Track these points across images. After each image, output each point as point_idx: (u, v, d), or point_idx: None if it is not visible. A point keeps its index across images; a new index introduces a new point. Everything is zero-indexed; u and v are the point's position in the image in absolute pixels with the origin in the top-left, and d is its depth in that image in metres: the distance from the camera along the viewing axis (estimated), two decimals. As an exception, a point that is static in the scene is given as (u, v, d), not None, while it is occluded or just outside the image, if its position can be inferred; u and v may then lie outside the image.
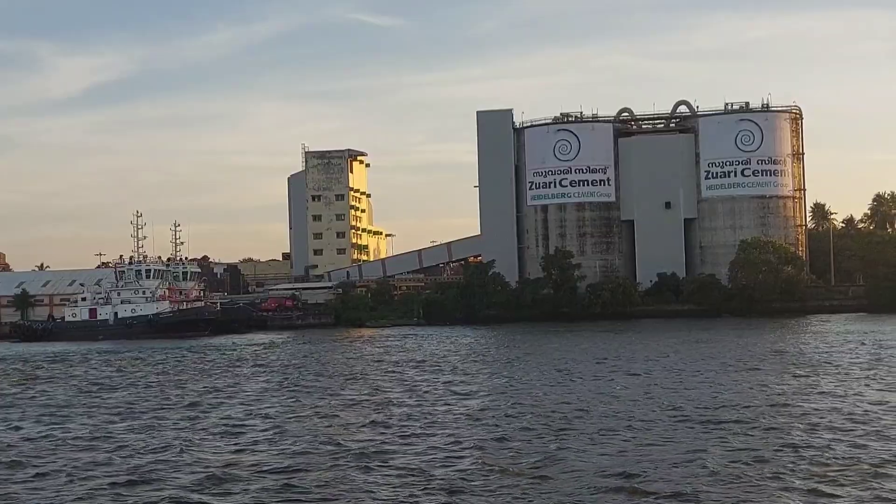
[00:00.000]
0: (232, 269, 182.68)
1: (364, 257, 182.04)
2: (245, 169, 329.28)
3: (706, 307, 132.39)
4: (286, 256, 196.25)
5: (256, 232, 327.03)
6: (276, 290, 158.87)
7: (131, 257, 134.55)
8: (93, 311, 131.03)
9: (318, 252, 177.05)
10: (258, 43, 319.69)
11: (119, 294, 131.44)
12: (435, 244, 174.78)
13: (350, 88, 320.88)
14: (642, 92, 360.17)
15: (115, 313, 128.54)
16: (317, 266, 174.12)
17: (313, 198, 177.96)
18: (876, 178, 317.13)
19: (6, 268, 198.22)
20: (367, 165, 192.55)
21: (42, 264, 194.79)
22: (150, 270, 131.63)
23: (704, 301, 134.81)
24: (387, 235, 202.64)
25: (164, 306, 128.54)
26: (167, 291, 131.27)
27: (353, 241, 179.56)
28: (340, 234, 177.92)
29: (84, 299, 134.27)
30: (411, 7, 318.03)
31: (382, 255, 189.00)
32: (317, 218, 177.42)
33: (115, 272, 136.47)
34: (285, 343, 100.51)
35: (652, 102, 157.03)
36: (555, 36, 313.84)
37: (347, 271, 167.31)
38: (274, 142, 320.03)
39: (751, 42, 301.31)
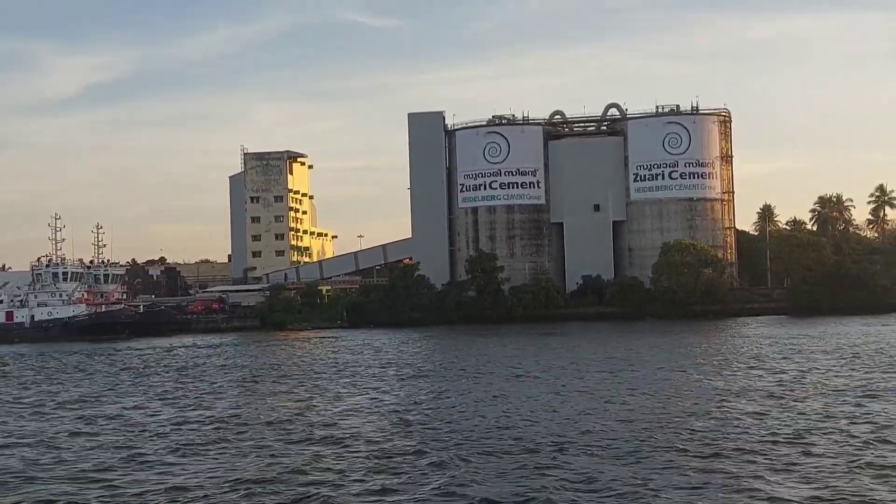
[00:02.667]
0: (169, 270, 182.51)
1: (306, 259, 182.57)
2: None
3: (629, 310, 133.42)
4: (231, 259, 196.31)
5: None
6: (206, 292, 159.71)
7: (49, 259, 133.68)
8: (9, 314, 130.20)
9: (256, 254, 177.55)
10: (257, 43, 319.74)
11: (36, 296, 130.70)
12: (370, 247, 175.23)
13: (348, 89, 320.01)
14: (626, 91, 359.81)
15: (32, 316, 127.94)
16: (255, 268, 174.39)
17: (252, 199, 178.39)
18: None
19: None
20: (310, 167, 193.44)
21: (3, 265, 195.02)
22: (67, 273, 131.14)
23: (627, 303, 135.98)
24: (333, 237, 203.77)
25: (81, 309, 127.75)
26: (86, 294, 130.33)
27: (293, 242, 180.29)
28: (279, 237, 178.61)
29: (1, 301, 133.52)
30: (407, 8, 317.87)
31: (328, 257, 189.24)
32: (255, 220, 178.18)
33: (33, 274, 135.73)
34: (187, 347, 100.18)
35: (583, 105, 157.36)
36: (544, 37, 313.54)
37: (285, 273, 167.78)
38: (270, 142, 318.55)
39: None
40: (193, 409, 45.03)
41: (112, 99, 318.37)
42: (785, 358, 63.43)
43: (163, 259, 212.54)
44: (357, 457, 29.24)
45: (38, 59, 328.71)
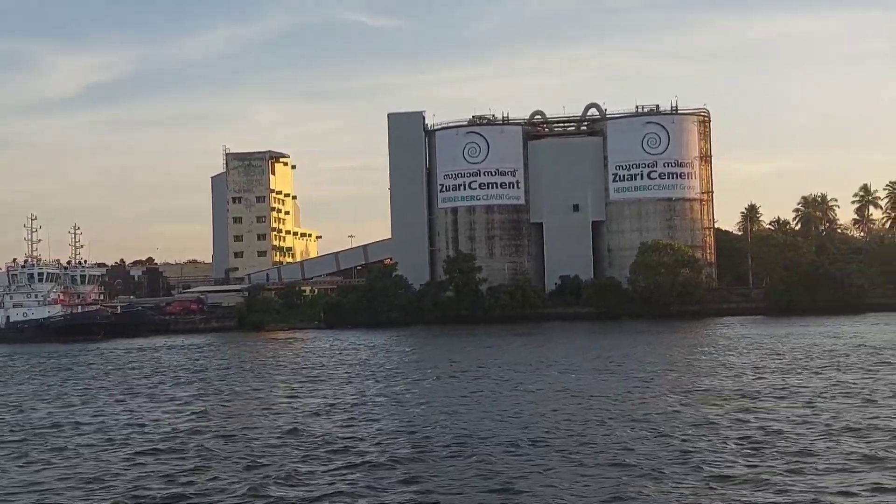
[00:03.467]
0: (151, 271, 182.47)
1: (289, 259, 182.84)
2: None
3: (605, 310, 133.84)
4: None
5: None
6: (185, 293, 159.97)
7: (25, 260, 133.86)
8: None
9: (238, 254, 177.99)
10: (257, 43, 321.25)
11: (11, 297, 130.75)
12: (351, 247, 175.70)
13: (348, 89, 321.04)
14: (604, 92, 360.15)
15: (7, 317, 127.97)
16: (237, 269, 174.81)
17: (234, 200, 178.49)
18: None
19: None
20: (293, 167, 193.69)
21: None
22: (42, 274, 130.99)
23: (604, 304, 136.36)
24: (317, 237, 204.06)
25: (56, 310, 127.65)
26: (62, 295, 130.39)
27: (275, 243, 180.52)
28: (261, 237, 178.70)
29: None
30: (407, 8, 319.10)
31: (312, 257, 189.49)
32: (237, 220, 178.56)
33: (8, 275, 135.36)
34: (156, 349, 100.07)
35: (563, 106, 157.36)
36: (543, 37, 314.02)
37: (267, 273, 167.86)
38: (269, 142, 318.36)
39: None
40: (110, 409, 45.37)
41: (112, 99, 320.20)
42: (715, 356, 64.97)
43: (150, 259, 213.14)
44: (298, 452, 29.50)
45: (38, 58, 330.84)
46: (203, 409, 44.91)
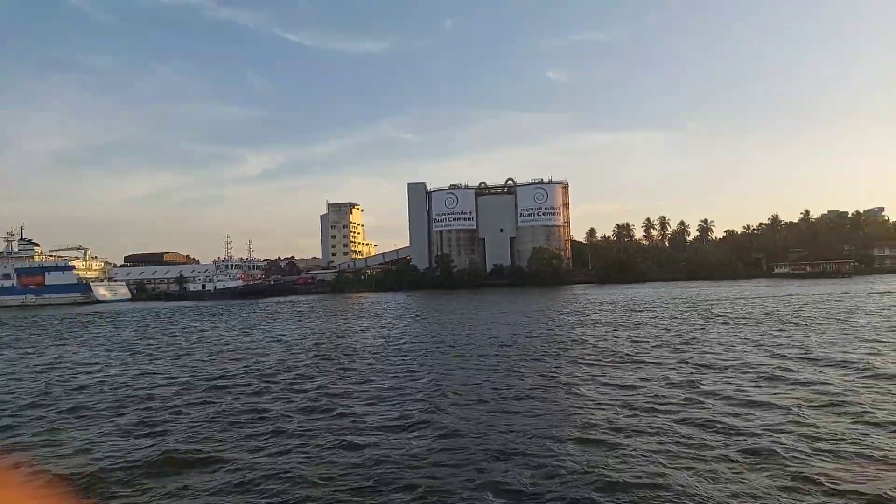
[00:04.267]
0: (291, 263, 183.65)
1: (359, 257, 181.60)
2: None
3: (518, 282, 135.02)
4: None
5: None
6: (306, 274, 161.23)
7: (224, 258, 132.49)
8: (203, 286, 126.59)
9: (334, 254, 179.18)
10: (350, 147, 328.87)
11: (217, 277, 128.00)
12: (392, 249, 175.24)
13: (395, 171, 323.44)
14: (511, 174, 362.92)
15: (215, 286, 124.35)
16: (333, 261, 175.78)
17: (332, 226, 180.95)
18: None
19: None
20: (362, 210, 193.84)
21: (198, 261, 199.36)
22: (231, 264, 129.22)
23: (515, 279, 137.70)
24: (374, 245, 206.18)
25: (239, 283, 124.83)
26: (242, 275, 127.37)
27: (353, 248, 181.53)
28: (345, 245, 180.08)
29: (199, 280, 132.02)
30: (428, 129, 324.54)
31: (371, 255, 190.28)
32: (333, 237, 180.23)
33: (215, 266, 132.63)
34: (289, 303, 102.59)
35: (495, 178, 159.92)
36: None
37: (348, 264, 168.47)
38: (354, 197, 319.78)
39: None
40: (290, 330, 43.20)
41: (277, 177, 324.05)
42: (564, 301, 64.45)
43: (292, 257, 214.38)
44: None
45: (241, 156, 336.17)
46: (312, 328, 42.64)
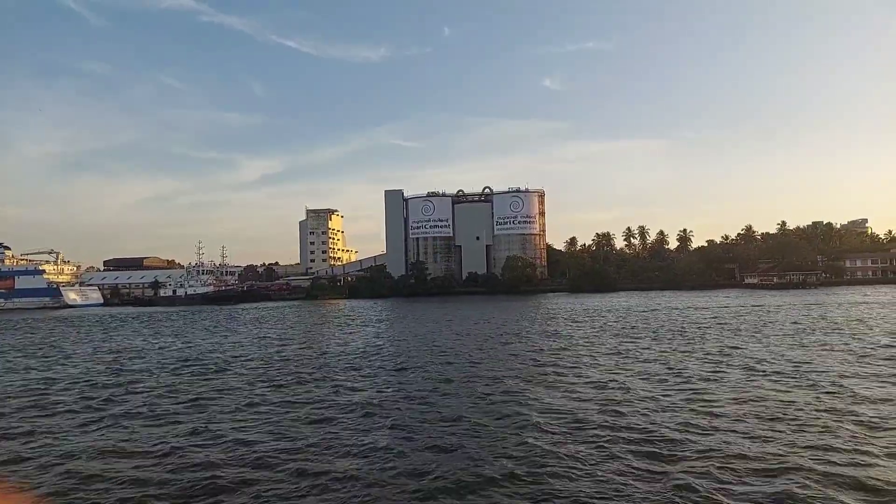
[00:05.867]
0: (269, 268, 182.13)
1: (338, 263, 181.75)
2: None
3: (491, 290, 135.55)
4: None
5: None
6: (280, 280, 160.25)
7: (195, 264, 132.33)
8: (175, 291, 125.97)
9: (313, 261, 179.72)
10: (343, 155, 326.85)
11: (188, 282, 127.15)
12: (369, 256, 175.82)
13: (389, 178, 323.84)
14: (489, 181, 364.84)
15: (185, 292, 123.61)
16: (312, 268, 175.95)
17: (311, 233, 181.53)
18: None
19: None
20: (342, 217, 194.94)
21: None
22: (203, 270, 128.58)
23: (489, 286, 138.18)
24: (355, 252, 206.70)
25: (210, 289, 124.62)
26: (214, 281, 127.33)
27: (331, 255, 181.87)
28: (323, 252, 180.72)
29: (170, 285, 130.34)
30: (423, 136, 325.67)
31: (349, 262, 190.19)
32: (312, 243, 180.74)
33: (187, 271, 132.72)
34: (257, 308, 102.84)
35: (472, 187, 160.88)
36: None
37: (326, 270, 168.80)
38: (336, 203, 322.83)
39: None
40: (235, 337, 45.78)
41: (275, 183, 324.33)
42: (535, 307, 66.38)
43: (275, 263, 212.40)
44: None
45: (238, 161, 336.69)
46: (284, 331, 45.29)
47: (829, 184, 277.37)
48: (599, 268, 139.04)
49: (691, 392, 17.38)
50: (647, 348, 28.20)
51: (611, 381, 19.41)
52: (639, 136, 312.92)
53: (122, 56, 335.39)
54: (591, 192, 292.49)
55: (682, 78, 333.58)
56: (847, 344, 27.83)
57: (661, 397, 16.75)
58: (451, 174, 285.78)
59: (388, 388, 19.27)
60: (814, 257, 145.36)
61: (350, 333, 41.52)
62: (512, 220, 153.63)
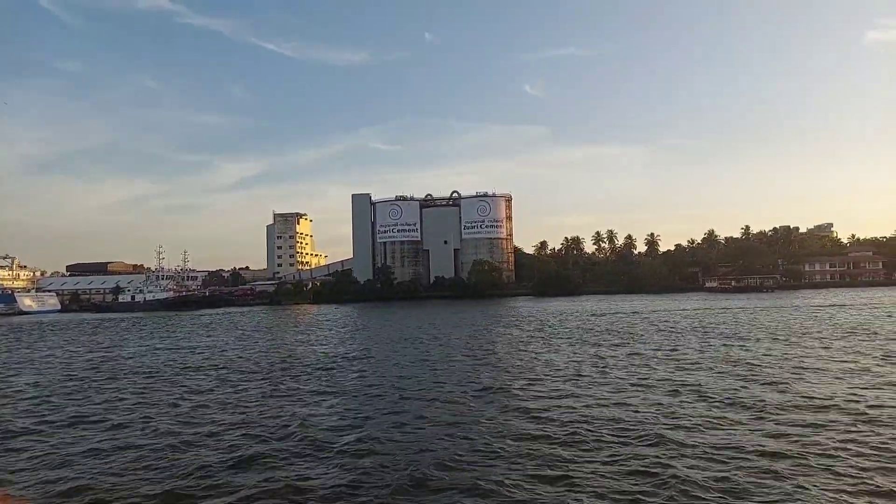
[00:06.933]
0: (235, 273, 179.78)
1: (306, 268, 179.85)
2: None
3: (458, 294, 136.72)
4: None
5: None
6: (244, 285, 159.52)
7: (156, 269, 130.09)
8: (133, 297, 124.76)
9: (280, 265, 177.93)
10: (322, 158, 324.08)
11: (147, 288, 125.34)
12: (337, 261, 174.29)
13: (371, 181, 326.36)
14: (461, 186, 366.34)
15: (144, 297, 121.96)
16: (279, 272, 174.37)
17: (278, 237, 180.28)
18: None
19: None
20: (311, 220, 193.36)
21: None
22: (163, 275, 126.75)
23: (455, 291, 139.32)
24: (325, 256, 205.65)
25: (170, 294, 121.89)
26: (175, 286, 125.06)
27: (299, 259, 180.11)
28: (291, 256, 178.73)
29: (129, 290, 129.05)
30: (404, 139, 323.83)
31: (318, 266, 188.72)
32: (279, 247, 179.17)
33: (146, 276, 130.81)
34: (217, 314, 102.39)
35: (440, 191, 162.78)
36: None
37: (293, 275, 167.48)
38: (329, 208, 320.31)
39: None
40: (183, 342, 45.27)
41: (252, 186, 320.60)
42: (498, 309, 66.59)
43: (246, 267, 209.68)
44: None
45: (215, 165, 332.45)
46: (249, 335, 46.23)
47: (802, 189, 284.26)
48: (564, 272, 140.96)
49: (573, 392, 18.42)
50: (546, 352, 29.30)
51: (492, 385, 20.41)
52: (618, 142, 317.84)
53: (98, 56, 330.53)
54: (571, 197, 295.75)
55: (662, 85, 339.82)
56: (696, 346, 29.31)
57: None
58: (433, 178, 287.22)
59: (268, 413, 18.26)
60: (775, 261, 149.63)
61: (275, 342, 41.96)
62: (480, 224, 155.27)
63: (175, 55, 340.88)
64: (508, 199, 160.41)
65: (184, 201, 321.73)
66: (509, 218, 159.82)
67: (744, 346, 29.91)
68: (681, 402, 16.83)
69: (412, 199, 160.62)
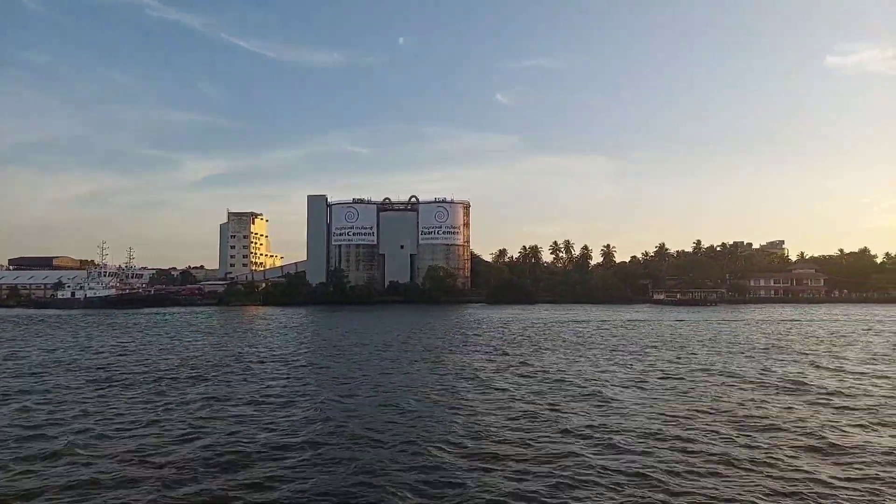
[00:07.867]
0: (185, 273, 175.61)
1: (259, 269, 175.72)
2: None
3: (411, 299, 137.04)
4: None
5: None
6: (193, 284, 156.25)
7: (98, 266, 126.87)
8: (73, 293, 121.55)
9: (233, 265, 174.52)
10: (295, 159, 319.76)
11: (88, 284, 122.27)
12: (291, 263, 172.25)
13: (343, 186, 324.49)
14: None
15: (85, 294, 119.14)
16: (231, 272, 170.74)
17: (232, 236, 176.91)
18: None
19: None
20: (266, 220, 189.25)
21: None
22: (106, 272, 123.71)
23: (409, 296, 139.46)
24: (281, 257, 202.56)
25: (113, 292, 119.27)
26: (118, 284, 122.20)
27: (253, 260, 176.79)
28: (245, 257, 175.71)
29: (69, 286, 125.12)
30: (377, 142, 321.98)
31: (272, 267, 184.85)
32: (233, 247, 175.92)
33: (87, 273, 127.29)
34: (164, 314, 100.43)
35: (399, 195, 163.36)
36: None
37: (246, 275, 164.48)
38: (299, 212, 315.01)
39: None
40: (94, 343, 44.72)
41: (218, 185, 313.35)
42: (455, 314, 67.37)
43: (199, 267, 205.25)
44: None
45: (182, 162, 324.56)
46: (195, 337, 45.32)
47: (758, 206, 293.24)
48: (518, 280, 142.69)
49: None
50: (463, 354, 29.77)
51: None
52: (584, 153, 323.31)
53: (64, 48, 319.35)
54: (537, 206, 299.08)
55: (630, 99, 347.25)
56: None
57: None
58: (401, 183, 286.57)
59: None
60: (723, 276, 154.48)
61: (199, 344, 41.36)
62: (437, 229, 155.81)
63: (147, 50, 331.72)
64: (467, 206, 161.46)
65: (146, 198, 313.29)
66: (467, 224, 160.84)
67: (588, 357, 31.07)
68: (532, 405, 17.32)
69: (370, 202, 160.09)
